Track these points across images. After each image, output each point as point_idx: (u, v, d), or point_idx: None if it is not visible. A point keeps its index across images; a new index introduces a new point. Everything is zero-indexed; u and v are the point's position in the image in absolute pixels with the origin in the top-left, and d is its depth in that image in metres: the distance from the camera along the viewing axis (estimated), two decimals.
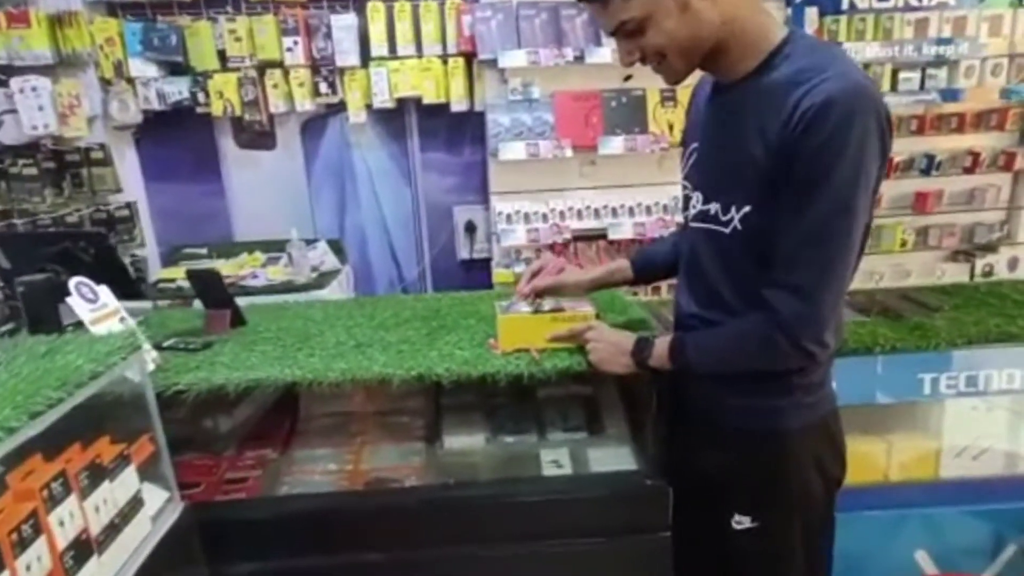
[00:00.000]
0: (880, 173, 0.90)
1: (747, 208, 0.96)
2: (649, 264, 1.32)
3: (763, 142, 0.91)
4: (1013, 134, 2.80)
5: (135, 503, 1.01)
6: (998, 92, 2.65)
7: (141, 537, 1.03)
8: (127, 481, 1.00)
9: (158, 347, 1.32)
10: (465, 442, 1.46)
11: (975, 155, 2.74)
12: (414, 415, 1.58)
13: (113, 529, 0.95)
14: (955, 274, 2.90)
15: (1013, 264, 2.91)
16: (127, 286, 1.32)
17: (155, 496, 1.11)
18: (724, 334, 1.03)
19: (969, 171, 2.75)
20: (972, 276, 2.86)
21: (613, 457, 1.40)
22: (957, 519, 1.50)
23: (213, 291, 1.46)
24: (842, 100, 0.84)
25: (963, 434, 1.51)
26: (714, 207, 1.02)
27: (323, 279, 2.56)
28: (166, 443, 1.15)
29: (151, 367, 1.21)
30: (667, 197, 2.70)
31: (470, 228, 2.96)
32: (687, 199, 1.13)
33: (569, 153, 2.54)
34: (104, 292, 1.20)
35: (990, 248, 2.88)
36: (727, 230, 1.00)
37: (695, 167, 1.09)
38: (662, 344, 1.10)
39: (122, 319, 1.23)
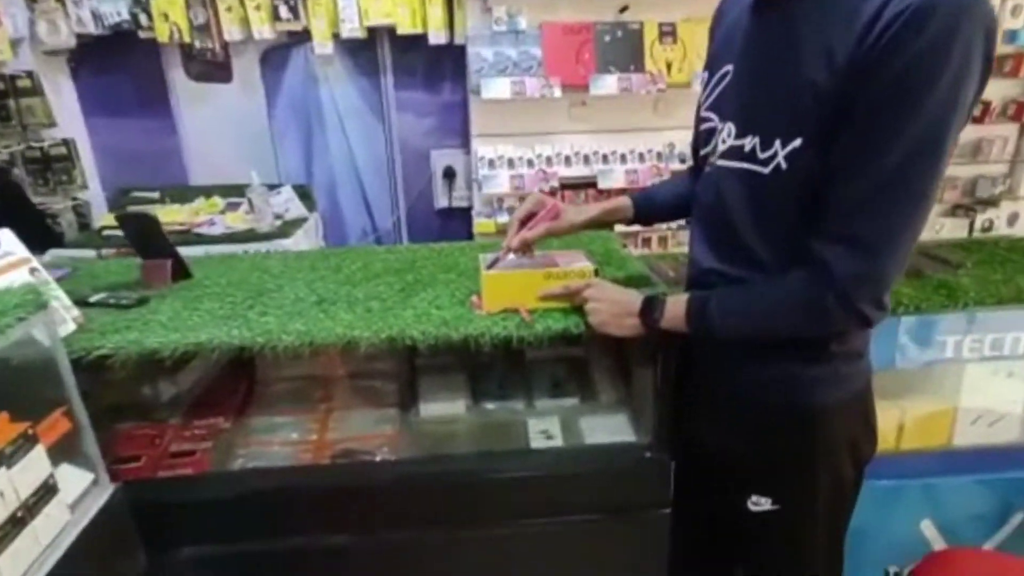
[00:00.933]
0: (975, 105, 0.74)
1: (796, 143, 0.79)
2: (652, 203, 1.16)
3: (827, 62, 0.74)
4: None
5: (46, 491, 0.84)
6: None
7: (57, 529, 0.86)
8: (34, 465, 0.83)
9: (83, 303, 1.13)
10: (444, 409, 1.32)
11: (985, 104, 2.59)
12: (386, 378, 1.42)
13: (16, 524, 0.79)
14: (953, 230, 2.80)
15: (1013, 220, 2.81)
16: (38, 230, 1.11)
17: (76, 479, 0.95)
18: (757, 294, 0.87)
19: (978, 120, 2.61)
20: (971, 232, 2.76)
21: (608, 427, 1.26)
22: (967, 488, 1.41)
23: (150, 238, 1.25)
24: (943, 5, 0.66)
25: (980, 400, 1.40)
26: (751, 142, 0.85)
27: (288, 228, 2.35)
28: (94, 414, 0.98)
29: (71, 327, 1.02)
30: (661, 144, 2.52)
31: (449, 174, 2.75)
32: (710, 133, 0.95)
33: (558, 92, 2.32)
34: (6, 238, 1.00)
35: (991, 202, 2.77)
36: (766, 170, 0.83)
37: (726, 94, 0.91)
38: (676, 304, 0.94)
39: (34, 270, 1.03)
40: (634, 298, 1.00)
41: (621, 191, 2.50)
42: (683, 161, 2.51)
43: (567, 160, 2.48)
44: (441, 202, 2.79)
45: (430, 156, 2.75)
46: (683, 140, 2.52)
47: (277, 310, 1.13)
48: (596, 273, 1.09)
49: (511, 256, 1.10)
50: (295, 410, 1.34)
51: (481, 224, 2.53)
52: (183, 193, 2.58)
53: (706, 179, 0.98)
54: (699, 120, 1.04)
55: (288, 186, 2.57)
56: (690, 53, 2.41)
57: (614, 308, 1.00)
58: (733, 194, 0.90)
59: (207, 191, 2.57)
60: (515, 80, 2.28)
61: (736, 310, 0.88)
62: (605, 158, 2.48)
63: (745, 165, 0.87)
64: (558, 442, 1.22)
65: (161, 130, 2.56)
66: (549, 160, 2.47)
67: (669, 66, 2.40)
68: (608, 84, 2.33)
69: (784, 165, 0.81)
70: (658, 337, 1.00)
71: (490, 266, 1.10)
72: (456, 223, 2.81)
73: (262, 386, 1.40)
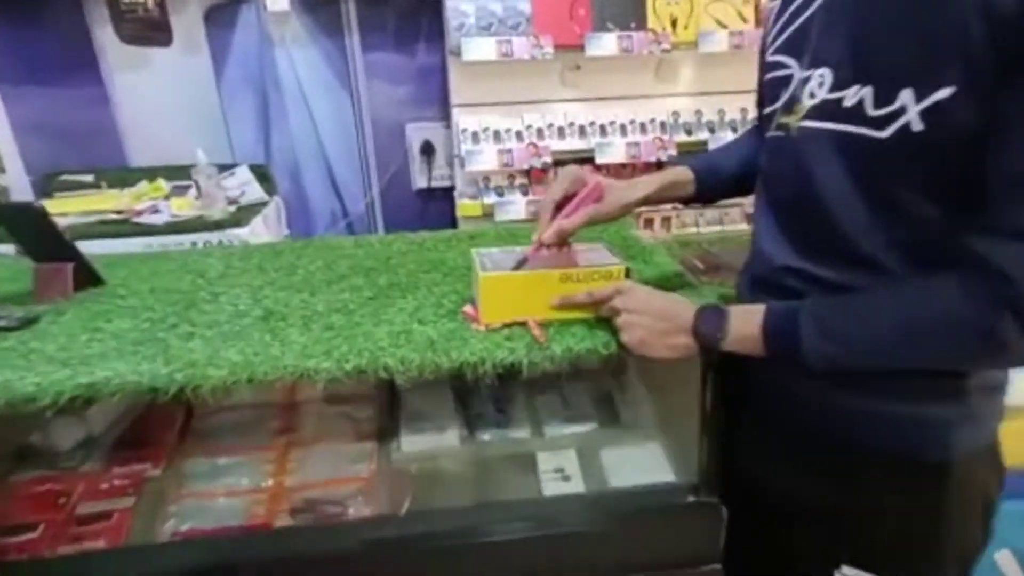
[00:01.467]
0: None
1: (942, 94, 0.54)
2: (717, 174, 0.91)
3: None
4: None
5: None
6: None
7: None
8: None
9: None
10: (431, 442, 1.06)
11: None
12: (360, 402, 1.16)
13: None
14: None
15: None
16: None
17: None
18: (876, 310, 0.62)
19: None
20: None
21: (637, 461, 1.02)
22: None
23: (41, 237, 0.96)
24: None
25: None
26: (856, 94, 0.61)
27: (244, 214, 2.05)
28: None
29: None
30: (665, 112, 2.25)
31: (427, 150, 2.45)
32: (780, 84, 0.71)
33: (550, 53, 2.03)
34: None
35: None
36: (882, 133, 0.59)
37: (811, 29, 0.67)
38: (746, 317, 0.69)
39: None
40: (683, 309, 0.75)
41: (622, 167, 2.24)
42: (689, 132, 2.25)
43: (560, 132, 2.20)
44: (419, 182, 2.50)
45: (405, 130, 2.45)
46: (688, 108, 2.26)
47: (208, 330, 0.85)
48: (627, 274, 0.84)
49: (544, 252, 0.84)
50: (245, 447, 1.07)
51: (465, 206, 2.25)
52: (123, 176, 2.25)
53: (778, 147, 0.73)
54: (764, 67, 0.78)
55: (243, 166, 2.25)
56: (697, 7, 2.13)
57: (657, 323, 0.75)
58: (826, 166, 0.65)
59: (151, 173, 2.25)
60: (501, 39, 1.98)
61: (843, 332, 0.63)
62: (603, 129, 2.20)
63: (846, 127, 0.62)
64: (577, 484, 0.98)
65: (91, 102, 2.21)
66: (540, 132, 2.19)
67: (674, 23, 2.12)
68: (606, 44, 2.05)
69: (919, 126, 0.56)
70: (715, 357, 0.75)
71: (489, 265, 0.84)
72: (437, 205, 2.52)
73: (203, 416, 1.13)
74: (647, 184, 0.85)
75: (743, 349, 0.71)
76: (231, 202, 2.09)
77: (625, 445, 1.05)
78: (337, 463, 1.04)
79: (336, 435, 1.09)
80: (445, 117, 2.38)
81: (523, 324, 0.83)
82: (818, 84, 0.65)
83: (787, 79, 0.71)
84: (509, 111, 2.21)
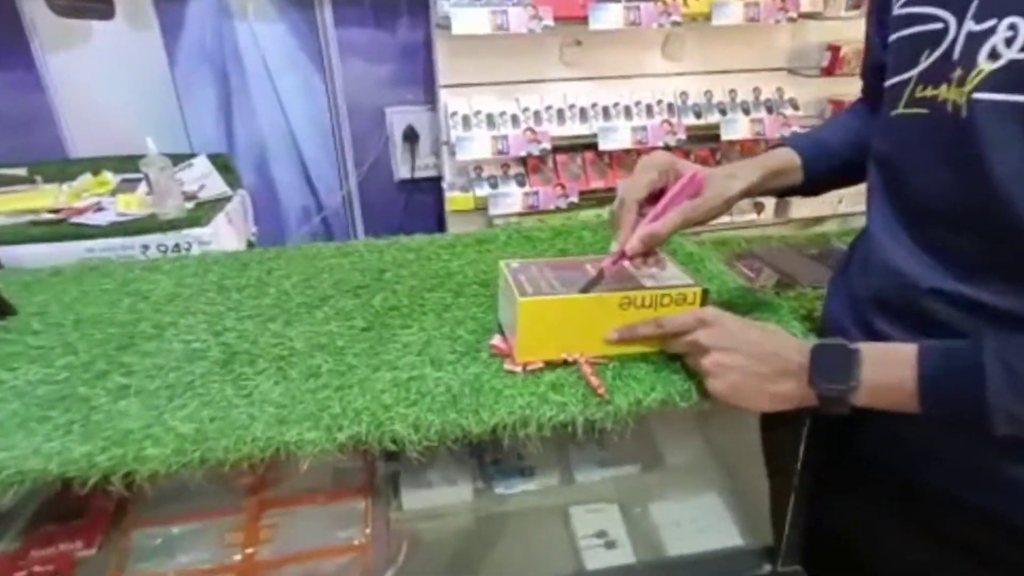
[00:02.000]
0: None
1: None
2: (828, 157, 0.72)
3: None
4: None
5: None
6: None
7: None
8: None
9: None
10: (439, 498, 0.86)
11: None
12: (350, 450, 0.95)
13: None
14: None
15: None
16: None
17: None
18: None
19: None
20: None
21: (693, 516, 0.84)
22: None
23: None
24: None
25: None
26: None
27: (203, 211, 1.80)
28: None
29: None
30: (672, 92, 2.06)
31: (410, 136, 2.22)
32: (925, 43, 0.52)
33: (550, 25, 1.82)
34: None
35: None
36: None
37: None
38: (890, 360, 0.52)
39: None
40: (790, 346, 0.56)
41: (626, 153, 2.05)
42: (698, 115, 2.07)
43: (560, 115, 1.99)
44: (402, 172, 2.27)
45: (385, 115, 2.21)
46: (697, 89, 2.07)
47: (149, 381, 0.64)
48: (705, 297, 0.65)
49: (626, 265, 0.64)
50: (206, 510, 0.86)
51: (455, 199, 2.04)
52: (62, 168, 1.97)
53: (921, 130, 0.55)
54: (887, 23, 0.60)
55: (202, 156, 1.99)
56: None
57: (757, 365, 0.56)
58: (1013, 155, 0.47)
59: (94, 165, 1.98)
60: (496, 10, 1.76)
61: None
62: (606, 112, 2.00)
63: None
64: (626, 552, 0.79)
65: (22, 85, 1.92)
66: (538, 116, 1.98)
67: None
68: (611, 16, 1.84)
69: None
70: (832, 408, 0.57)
71: (589, 288, 0.64)
72: (422, 198, 2.29)
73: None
74: (749, 172, 0.66)
75: (880, 403, 0.53)
76: (188, 198, 1.84)
77: (676, 495, 0.87)
78: (323, 528, 0.84)
79: (321, 492, 0.88)
80: (431, 100, 2.15)
81: (569, 363, 0.64)
82: (1005, 40, 0.47)
83: (937, 36, 0.52)
84: (503, 92, 2.00)
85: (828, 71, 2.10)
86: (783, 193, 0.72)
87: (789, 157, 0.69)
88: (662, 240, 0.62)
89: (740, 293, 0.80)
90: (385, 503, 0.86)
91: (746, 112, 2.07)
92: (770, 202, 2.35)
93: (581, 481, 0.89)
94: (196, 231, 1.70)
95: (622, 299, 0.63)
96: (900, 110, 0.57)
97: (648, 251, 0.63)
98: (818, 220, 2.39)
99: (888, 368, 0.51)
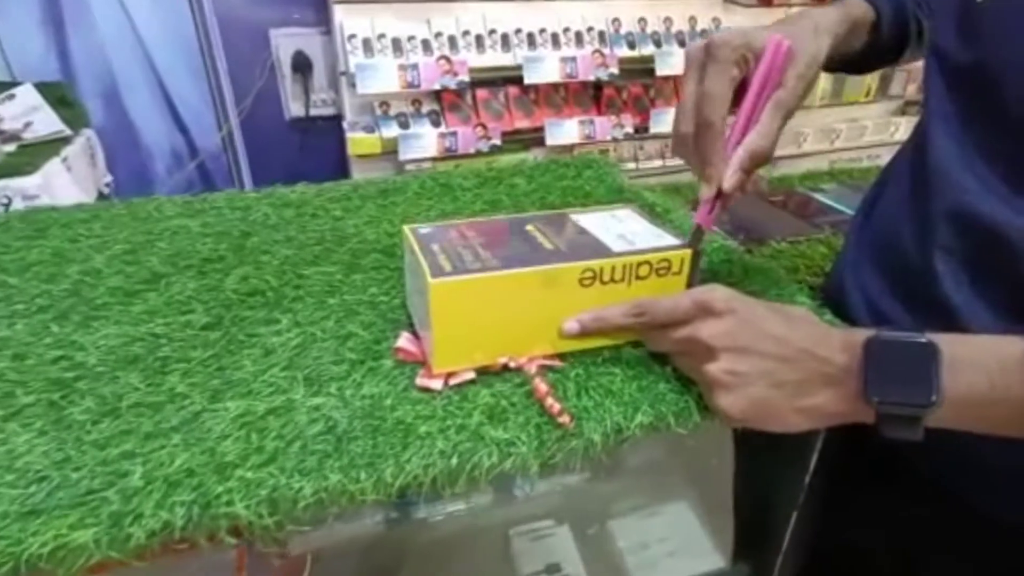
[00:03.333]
0: None
1: None
2: (899, 20, 0.54)
3: None
4: None
5: None
6: None
7: None
8: None
9: None
10: (340, 533, 0.66)
11: None
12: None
13: None
14: (908, 129, 2.47)
15: None
16: None
17: None
18: None
19: None
20: None
21: (663, 533, 0.68)
22: None
23: None
24: None
25: None
26: None
27: (30, 157, 1.41)
28: None
29: None
30: (604, 19, 1.83)
31: (302, 65, 1.87)
32: None
33: None
34: None
35: None
36: None
37: None
38: (994, 364, 0.35)
39: None
40: (829, 342, 0.39)
41: (554, 89, 1.82)
42: (632, 45, 1.86)
43: (479, 42, 1.72)
44: (293, 109, 1.93)
45: (269, 38, 1.85)
46: (631, 16, 1.86)
47: None
48: (695, 257, 0.46)
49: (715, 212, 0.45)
50: None
51: (358, 141, 1.74)
52: None
53: None
54: None
55: (26, 85, 1.57)
56: None
57: (784, 370, 0.39)
58: None
59: None
60: None
61: None
62: (531, 39, 1.75)
63: None
64: None
65: None
66: (453, 42, 1.70)
67: None
68: None
69: None
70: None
71: (442, 261, 0.43)
72: (320, 140, 1.97)
73: None
74: (833, 22, 0.47)
75: (970, 422, 0.37)
76: (8, 139, 1.44)
77: (638, 508, 0.71)
78: None
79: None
80: (324, 20, 1.80)
81: (511, 369, 0.44)
82: None
83: None
84: (412, 12, 1.69)
85: (767, 2, 1.96)
86: (843, 64, 0.53)
87: (863, 10, 0.51)
88: (769, 157, 0.42)
89: (723, 255, 0.62)
90: (265, 546, 0.65)
91: (681, 44, 1.89)
92: None
93: (520, 496, 0.71)
94: (18, 181, 1.32)
95: (583, 272, 0.43)
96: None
97: (749, 178, 0.43)
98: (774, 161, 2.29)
99: (987, 372, 0.35)
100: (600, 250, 0.45)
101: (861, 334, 0.38)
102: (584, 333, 0.44)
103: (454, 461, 0.37)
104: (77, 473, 0.36)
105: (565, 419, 0.40)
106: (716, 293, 0.41)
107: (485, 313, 0.42)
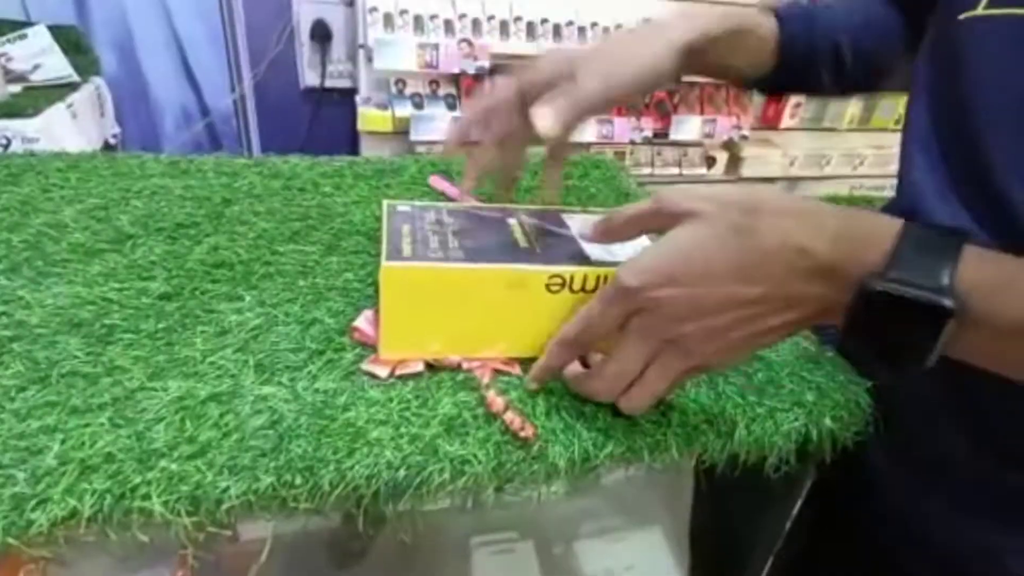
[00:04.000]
0: None
1: None
2: (809, 30, 0.51)
3: None
4: None
5: None
6: None
7: None
8: None
9: None
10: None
11: None
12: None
13: None
14: None
15: None
16: None
17: None
18: None
19: None
20: None
21: (631, 559, 0.65)
22: None
23: None
24: None
25: None
26: None
27: (34, 99, 1.38)
28: None
29: None
30: (634, 18, 1.78)
31: (321, 34, 1.83)
32: None
33: None
34: None
35: None
36: None
37: None
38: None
39: None
40: (820, 219, 0.31)
41: None
42: None
43: (503, 27, 1.68)
44: (309, 78, 1.89)
45: (291, 5, 1.81)
46: (662, 14, 1.80)
47: None
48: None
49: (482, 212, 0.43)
50: None
51: (370, 116, 1.71)
52: None
53: (1016, 35, 0.33)
54: None
55: (40, 27, 1.54)
56: None
57: (751, 255, 0.32)
58: None
59: None
60: None
61: None
62: (557, 30, 1.71)
63: None
64: None
65: None
66: (477, 25, 1.66)
67: None
68: None
69: None
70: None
71: (403, 245, 0.39)
72: (332, 111, 1.94)
73: None
74: (686, 29, 0.45)
75: (995, 351, 0.31)
76: (16, 79, 1.42)
77: (607, 529, 0.68)
78: None
79: None
80: None
81: (465, 370, 0.41)
82: None
83: None
84: None
85: None
86: (744, 82, 0.53)
87: (757, 22, 0.49)
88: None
89: None
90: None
91: None
92: (722, 156, 2.17)
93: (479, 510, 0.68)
94: (19, 123, 1.30)
95: (551, 278, 0.39)
96: (979, 11, 0.36)
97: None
98: (769, 182, 2.24)
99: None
100: (576, 256, 0.41)
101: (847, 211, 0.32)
102: (544, 374, 0.40)
103: (401, 474, 0.34)
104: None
105: (528, 432, 0.36)
106: (635, 276, 0.34)
107: (440, 306, 0.39)
